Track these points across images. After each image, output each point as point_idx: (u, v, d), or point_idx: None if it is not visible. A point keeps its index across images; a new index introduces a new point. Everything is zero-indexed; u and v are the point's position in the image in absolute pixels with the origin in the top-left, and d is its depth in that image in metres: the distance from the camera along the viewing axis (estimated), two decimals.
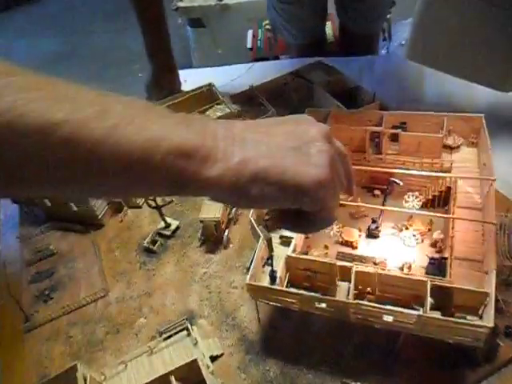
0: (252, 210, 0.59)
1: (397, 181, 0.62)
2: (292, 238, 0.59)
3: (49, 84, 0.28)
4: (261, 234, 0.56)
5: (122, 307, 0.65)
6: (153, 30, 0.95)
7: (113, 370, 0.56)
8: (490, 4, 0.54)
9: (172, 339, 0.58)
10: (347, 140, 0.69)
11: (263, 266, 0.57)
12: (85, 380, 0.52)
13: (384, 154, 0.67)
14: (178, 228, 0.73)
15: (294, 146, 0.32)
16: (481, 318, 0.47)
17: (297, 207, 0.33)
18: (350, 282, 0.51)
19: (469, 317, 0.47)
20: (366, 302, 0.47)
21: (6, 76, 0.27)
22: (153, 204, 0.70)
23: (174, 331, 0.59)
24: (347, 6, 1.15)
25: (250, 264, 0.64)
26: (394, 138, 0.68)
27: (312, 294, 0.50)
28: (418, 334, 0.48)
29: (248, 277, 0.52)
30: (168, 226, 0.73)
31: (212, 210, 0.69)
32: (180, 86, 1.04)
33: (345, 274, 0.52)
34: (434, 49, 0.65)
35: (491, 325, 0.43)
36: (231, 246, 0.70)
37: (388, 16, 1.25)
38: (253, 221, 0.58)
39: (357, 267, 0.50)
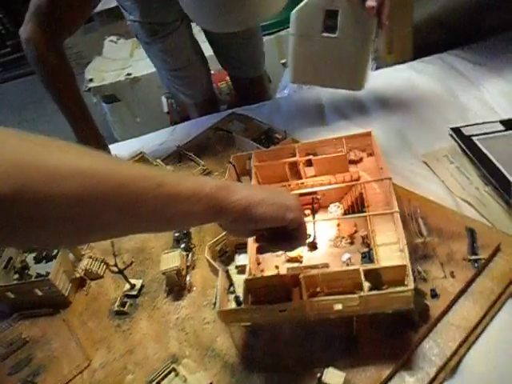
0: (206, 251, 0.68)
1: (318, 196, 0.74)
2: (245, 265, 0.68)
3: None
4: (218, 268, 0.65)
5: (107, 371, 0.69)
6: (75, 113, 1.03)
7: None
8: (327, 36, 0.83)
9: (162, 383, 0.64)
10: (271, 173, 0.81)
11: (227, 294, 0.65)
12: None
13: (303, 179, 0.80)
14: (142, 286, 0.80)
15: (277, 192, 0.55)
16: (406, 286, 0.58)
17: (284, 225, 0.52)
18: (300, 288, 0.61)
19: (398, 288, 0.59)
20: (316, 298, 0.57)
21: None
22: (115, 269, 0.76)
23: (162, 375, 0.64)
24: (231, 59, 1.34)
25: (216, 298, 0.72)
26: (309, 164, 0.81)
27: (272, 305, 0.59)
28: (365, 314, 0.58)
29: (217, 305, 0.60)
30: (133, 286, 0.79)
31: (170, 260, 0.76)
32: None
33: (296, 283, 0.62)
34: (305, 70, 0.89)
35: (411, 287, 0.55)
36: (194, 288, 0.77)
37: None
38: (209, 259, 0.67)
39: (303, 273, 0.60)
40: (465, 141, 0.91)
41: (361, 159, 0.81)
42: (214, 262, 0.66)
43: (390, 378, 0.59)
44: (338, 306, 0.57)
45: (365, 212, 0.74)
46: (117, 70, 1.96)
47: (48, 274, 0.79)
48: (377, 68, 1.32)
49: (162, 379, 0.64)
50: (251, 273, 0.65)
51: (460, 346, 0.60)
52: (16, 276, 0.84)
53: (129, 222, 0.44)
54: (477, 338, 0.61)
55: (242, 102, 1.28)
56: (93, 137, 1.06)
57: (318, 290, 0.61)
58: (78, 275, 0.83)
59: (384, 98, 1.11)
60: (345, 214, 0.76)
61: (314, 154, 0.81)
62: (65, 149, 0.40)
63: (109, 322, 0.76)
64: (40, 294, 0.79)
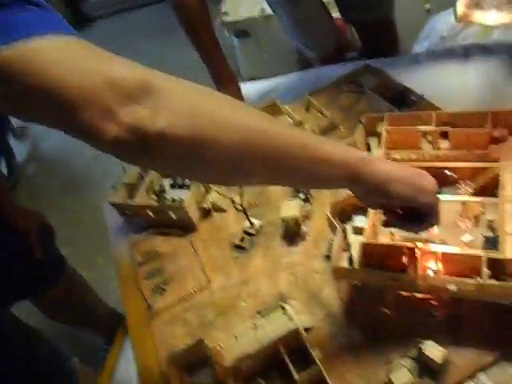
0: (329, 208, 0.71)
1: (447, 172, 0.71)
2: (362, 227, 0.70)
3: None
4: (337, 226, 0.69)
5: (224, 294, 0.80)
6: (206, 46, 1.09)
7: (226, 342, 0.71)
8: None
9: (270, 316, 0.72)
10: (402, 139, 0.79)
11: (341, 252, 0.69)
12: (211, 350, 0.67)
13: (436, 151, 0.77)
14: (261, 226, 0.87)
15: (417, 173, 0.53)
16: None
17: (415, 205, 0.53)
18: (415, 261, 0.63)
19: None
20: (432, 275, 0.58)
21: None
22: (240, 207, 0.84)
23: (271, 310, 0.72)
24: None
25: (329, 252, 0.77)
26: (445, 135, 0.77)
27: (386, 272, 0.62)
28: (479, 300, 0.58)
29: (333, 261, 0.64)
30: (253, 225, 0.87)
31: (290, 208, 0.82)
32: (243, 99, 1.16)
33: (411, 255, 0.63)
34: None
35: None
36: (308, 238, 0.82)
37: None
38: (330, 216, 0.70)
39: (421, 248, 0.61)
40: None
41: (504, 138, 0.75)
42: (333, 220, 0.69)
43: (490, 365, 0.59)
44: (452, 287, 0.58)
45: (496, 195, 0.70)
46: (252, 5, 1.96)
47: (181, 200, 0.91)
48: None
49: (271, 312, 0.72)
50: (368, 236, 0.68)
51: None
52: (154, 198, 0.97)
53: (270, 174, 0.49)
54: None
55: (369, 54, 1.22)
56: (226, 78, 1.12)
57: (432, 267, 0.62)
58: (206, 206, 0.93)
59: None
60: (474, 194, 0.73)
61: (452, 126, 0.77)
62: (230, 103, 0.47)
63: (229, 253, 0.86)
64: (174, 216, 0.91)
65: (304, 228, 0.83)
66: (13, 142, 2.65)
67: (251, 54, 2.07)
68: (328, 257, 0.77)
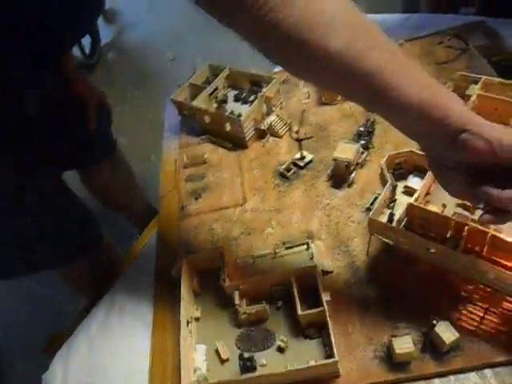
0: (384, 159, 0.66)
1: None
2: (416, 189, 0.65)
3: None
4: (388, 180, 0.64)
5: (255, 216, 0.79)
6: None
7: (243, 259, 0.71)
8: None
9: (292, 250, 0.71)
10: (491, 110, 0.70)
11: (384, 207, 0.65)
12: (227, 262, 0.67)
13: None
14: (311, 161, 0.83)
15: None
16: None
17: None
18: (460, 237, 0.57)
19: None
20: (472, 257, 0.53)
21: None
22: (296, 136, 0.81)
23: (295, 244, 0.71)
24: None
25: (371, 204, 0.73)
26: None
27: (426, 240, 0.57)
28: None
29: (372, 212, 0.61)
30: (303, 157, 0.83)
31: (346, 151, 0.77)
32: None
33: (458, 230, 0.58)
34: None
35: None
36: (355, 186, 0.78)
37: None
38: (384, 167, 0.65)
39: (471, 225, 0.55)
40: None
41: None
42: (386, 172, 0.65)
43: (499, 364, 0.55)
44: (491, 276, 0.53)
45: None
46: None
47: (240, 114, 0.88)
48: None
49: (294, 246, 0.71)
50: (418, 199, 0.63)
51: None
52: (215, 105, 0.95)
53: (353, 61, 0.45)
54: None
55: (487, 12, 1.06)
56: None
57: (477, 249, 0.57)
58: (262, 127, 0.90)
59: None
60: None
61: None
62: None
63: (270, 179, 0.84)
64: (228, 128, 0.90)
65: (354, 175, 0.78)
66: (101, 24, 2.70)
67: None
68: (369, 209, 0.73)
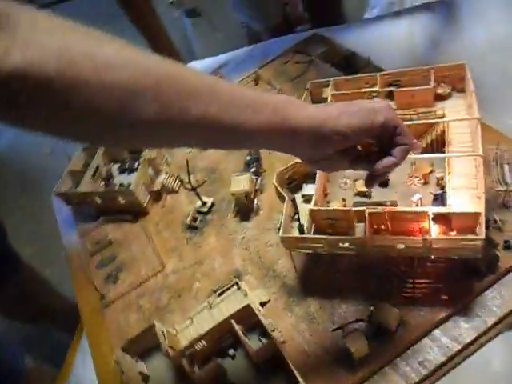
0: (275, 177, 0.69)
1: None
2: (312, 194, 0.68)
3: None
4: (285, 196, 0.67)
5: (178, 276, 0.77)
6: (147, 27, 1.04)
7: (182, 325, 0.68)
8: None
9: (225, 294, 0.70)
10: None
11: (291, 221, 0.67)
12: (163, 334, 0.64)
13: None
14: (213, 204, 0.84)
15: (357, 101, 0.47)
16: (476, 234, 0.56)
17: (378, 134, 0.46)
18: (365, 223, 0.61)
19: (467, 236, 0.57)
20: (379, 236, 0.57)
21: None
22: (189, 186, 0.81)
23: (226, 288, 0.70)
24: None
25: (280, 223, 0.75)
26: (390, 96, 0.76)
27: (335, 236, 0.60)
28: (428, 256, 0.58)
29: (281, 232, 0.62)
30: (204, 203, 0.84)
31: (240, 183, 0.79)
32: None
33: (360, 218, 0.62)
34: None
35: (482, 237, 0.52)
36: (261, 212, 0.80)
37: None
38: (277, 185, 0.68)
39: (369, 209, 0.60)
40: None
41: (449, 95, 0.74)
42: (281, 189, 0.67)
43: (444, 321, 0.59)
44: (400, 246, 0.57)
45: (444, 152, 0.70)
46: None
47: (130, 184, 0.87)
48: None
49: (226, 290, 0.70)
50: (316, 203, 0.66)
51: None
52: (102, 183, 0.93)
53: (167, 125, 0.39)
54: None
55: (317, 24, 1.19)
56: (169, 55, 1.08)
57: (383, 227, 0.61)
58: (155, 188, 0.89)
59: (485, 21, 0.98)
60: (423, 152, 0.72)
61: (398, 86, 0.76)
62: (116, 42, 0.39)
63: (181, 234, 0.83)
64: (122, 201, 0.87)
65: (256, 202, 0.80)
66: None
67: (204, 33, 2.01)
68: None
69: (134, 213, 0.89)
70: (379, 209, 0.60)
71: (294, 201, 0.67)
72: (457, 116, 0.72)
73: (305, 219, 0.66)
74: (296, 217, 0.65)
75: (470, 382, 0.59)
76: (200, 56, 2.07)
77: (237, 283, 0.70)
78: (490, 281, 0.60)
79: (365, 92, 0.76)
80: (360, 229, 0.62)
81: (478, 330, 0.57)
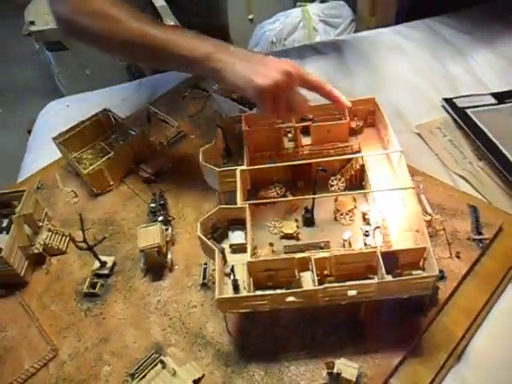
0: (199, 228, 0.59)
1: (322, 168, 0.66)
2: (241, 243, 0.60)
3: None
4: (214, 248, 0.57)
5: (78, 362, 0.60)
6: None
7: None
8: None
9: (148, 377, 0.56)
10: (264, 140, 0.72)
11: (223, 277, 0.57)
12: None
13: (300, 147, 0.72)
14: (114, 264, 0.70)
15: (261, 63, 0.62)
16: (424, 269, 0.54)
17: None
18: (308, 270, 0.55)
19: (414, 272, 0.54)
20: (332, 284, 0.51)
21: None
22: (84, 246, 0.66)
23: (147, 368, 0.57)
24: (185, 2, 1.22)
25: (203, 278, 0.65)
26: (306, 131, 0.73)
27: (281, 291, 0.53)
28: (377, 299, 0.54)
29: (217, 292, 0.52)
30: (104, 264, 0.69)
31: (149, 235, 0.67)
32: None
33: (302, 264, 0.55)
34: None
35: (436, 273, 0.50)
36: (176, 267, 0.69)
37: None
38: (202, 237, 0.58)
39: (314, 255, 0.54)
40: (458, 113, 0.87)
41: (361, 129, 0.74)
42: (208, 241, 0.58)
43: (399, 365, 0.55)
44: (352, 293, 0.52)
45: (364, 186, 0.68)
46: None
47: (0, 249, 0.67)
48: (356, 31, 1.24)
49: (148, 372, 0.56)
50: (252, 254, 0.58)
51: (468, 329, 0.58)
52: None
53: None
54: (482, 321, 0.59)
55: None
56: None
57: (326, 273, 0.56)
58: (35, 251, 0.71)
59: (370, 63, 1.04)
60: (345, 188, 0.70)
61: (311, 121, 0.73)
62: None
63: (77, 306, 0.66)
64: None
65: (170, 256, 0.69)
66: None
67: (71, 68, 1.82)
68: (205, 284, 0.65)
69: (8, 284, 0.69)
70: (325, 254, 0.54)
71: (223, 252, 0.58)
72: (371, 149, 0.72)
73: (238, 273, 0.57)
74: (230, 271, 0.56)
75: None
76: (66, 94, 1.87)
77: (161, 361, 0.57)
78: (433, 315, 0.58)
79: (280, 128, 0.72)
80: (304, 278, 0.55)
81: (433, 370, 0.54)
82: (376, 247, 0.55)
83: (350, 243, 0.63)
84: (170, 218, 0.75)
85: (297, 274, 0.56)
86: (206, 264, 0.67)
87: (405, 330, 0.57)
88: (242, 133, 0.73)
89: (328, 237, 0.65)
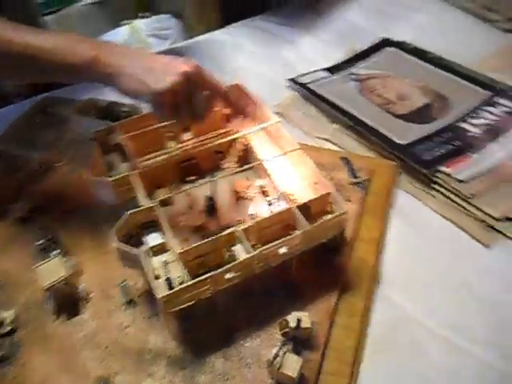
0: (113, 237, 0.55)
1: (217, 150, 0.67)
2: (160, 243, 0.58)
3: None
4: (137, 253, 0.54)
5: None
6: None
7: None
8: None
9: None
10: (145, 145, 0.71)
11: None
12: None
13: (183, 144, 0.73)
14: (16, 317, 0.60)
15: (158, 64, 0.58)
16: (333, 212, 0.60)
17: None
18: (235, 245, 0.56)
19: (325, 217, 0.60)
20: (265, 247, 0.54)
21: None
22: None
23: None
24: None
25: (127, 296, 0.61)
26: (187, 127, 0.74)
27: (220, 270, 0.53)
28: (304, 249, 0.58)
29: (158, 291, 0.50)
30: (1, 322, 0.59)
31: (51, 271, 0.60)
32: None
33: (230, 241, 0.56)
34: None
35: (345, 209, 0.57)
36: (92, 295, 0.63)
37: None
38: (120, 245, 0.55)
39: (240, 227, 0.55)
40: (303, 88, 0.99)
41: (233, 115, 0.78)
42: (128, 249, 0.54)
43: (337, 304, 0.60)
44: (283, 250, 0.55)
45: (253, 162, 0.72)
46: None
47: None
48: (190, 38, 1.29)
49: None
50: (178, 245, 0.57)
51: (377, 255, 0.67)
52: None
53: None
54: (385, 245, 0.69)
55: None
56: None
57: (252, 243, 0.58)
58: None
59: (216, 63, 1.10)
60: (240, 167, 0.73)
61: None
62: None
63: None
64: None
65: (82, 286, 0.62)
66: None
67: None
68: (130, 302, 0.61)
69: None
70: (249, 223, 0.56)
71: (150, 255, 0.56)
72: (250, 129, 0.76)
73: (171, 271, 0.55)
74: (157, 273, 0.54)
75: None
76: None
77: None
78: (347, 252, 0.65)
79: (158, 128, 0.72)
80: (235, 252, 0.57)
81: (363, 296, 0.61)
82: (292, 204, 0.59)
83: (257, 216, 0.66)
84: (66, 250, 0.68)
85: (225, 253, 0.56)
86: (124, 281, 0.62)
87: (330, 272, 0.63)
88: (119, 142, 0.70)
89: (235, 218, 0.67)
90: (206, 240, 0.55)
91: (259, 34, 1.20)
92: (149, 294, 0.60)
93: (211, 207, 0.69)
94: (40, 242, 0.68)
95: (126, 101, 0.88)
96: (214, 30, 1.26)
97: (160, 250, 0.59)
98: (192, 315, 0.58)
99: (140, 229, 0.61)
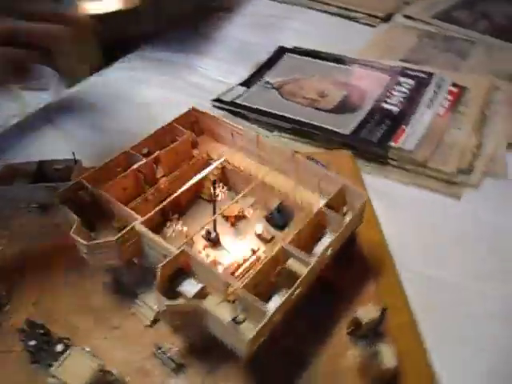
0: (158, 295, 0.47)
1: (213, 180, 0.63)
2: (201, 288, 0.52)
3: None
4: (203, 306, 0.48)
5: None
6: None
7: None
8: None
9: None
10: (121, 192, 0.63)
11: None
12: None
13: (160, 182, 0.67)
14: None
15: None
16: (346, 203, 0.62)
17: None
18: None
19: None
20: (319, 251, 0.52)
21: None
22: None
23: None
24: None
25: (176, 367, 0.53)
26: (156, 163, 0.67)
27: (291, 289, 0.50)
28: None
29: (242, 338, 0.44)
30: None
31: (75, 366, 0.49)
32: None
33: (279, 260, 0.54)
34: None
35: (366, 195, 0.59)
36: (128, 378, 0.53)
37: None
38: (172, 303, 0.47)
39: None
40: (231, 105, 0.99)
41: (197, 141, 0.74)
42: (183, 304, 0.47)
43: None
44: (330, 252, 0.55)
45: (234, 184, 0.70)
46: None
47: None
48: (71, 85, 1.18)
49: None
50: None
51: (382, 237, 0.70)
52: None
53: None
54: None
55: None
56: None
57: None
58: None
59: (122, 100, 1.03)
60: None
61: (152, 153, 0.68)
62: None
63: None
64: None
65: (115, 372, 0.52)
66: None
67: None
68: (179, 367, 0.53)
69: None
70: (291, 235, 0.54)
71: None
72: (219, 149, 0.73)
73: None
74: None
75: None
76: None
77: None
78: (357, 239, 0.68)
79: (135, 170, 0.64)
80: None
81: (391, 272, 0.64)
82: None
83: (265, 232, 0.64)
84: (66, 341, 0.55)
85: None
86: (159, 348, 0.54)
87: (355, 260, 0.64)
88: (93, 197, 0.61)
89: (243, 244, 0.63)
90: (259, 266, 0.51)
91: (156, 63, 1.16)
92: (198, 351, 0.53)
93: (214, 239, 0.64)
94: (31, 342, 0.54)
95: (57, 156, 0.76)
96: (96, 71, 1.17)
97: (202, 295, 0.52)
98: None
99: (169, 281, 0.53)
